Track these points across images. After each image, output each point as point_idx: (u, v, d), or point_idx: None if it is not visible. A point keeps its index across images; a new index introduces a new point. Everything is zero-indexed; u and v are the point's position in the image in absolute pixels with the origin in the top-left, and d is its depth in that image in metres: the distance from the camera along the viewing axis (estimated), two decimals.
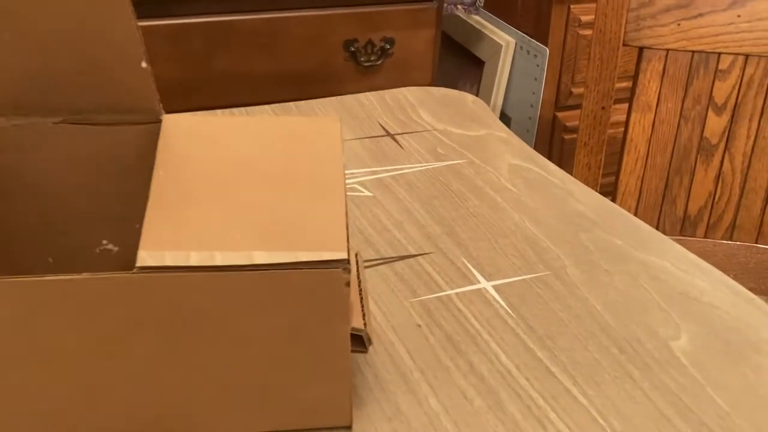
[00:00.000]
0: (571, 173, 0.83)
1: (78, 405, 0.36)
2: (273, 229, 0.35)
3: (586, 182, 0.94)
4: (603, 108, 0.89)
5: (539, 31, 1.40)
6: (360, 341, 0.40)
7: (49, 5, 0.34)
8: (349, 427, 0.41)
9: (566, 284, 0.54)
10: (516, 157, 0.71)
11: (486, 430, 0.41)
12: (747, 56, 0.84)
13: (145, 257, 0.33)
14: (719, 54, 0.85)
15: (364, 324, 0.41)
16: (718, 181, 0.90)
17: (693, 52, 0.85)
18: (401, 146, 0.73)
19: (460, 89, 1.64)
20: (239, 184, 0.37)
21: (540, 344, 0.48)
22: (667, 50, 0.86)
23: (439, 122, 0.78)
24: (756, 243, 0.92)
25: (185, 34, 1.13)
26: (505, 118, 1.54)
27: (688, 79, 0.86)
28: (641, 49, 0.87)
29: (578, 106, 1.36)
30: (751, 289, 0.77)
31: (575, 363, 0.46)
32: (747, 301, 0.53)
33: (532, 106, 1.46)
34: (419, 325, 0.49)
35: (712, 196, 0.91)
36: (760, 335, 0.49)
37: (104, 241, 0.43)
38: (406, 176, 0.68)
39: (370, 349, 0.47)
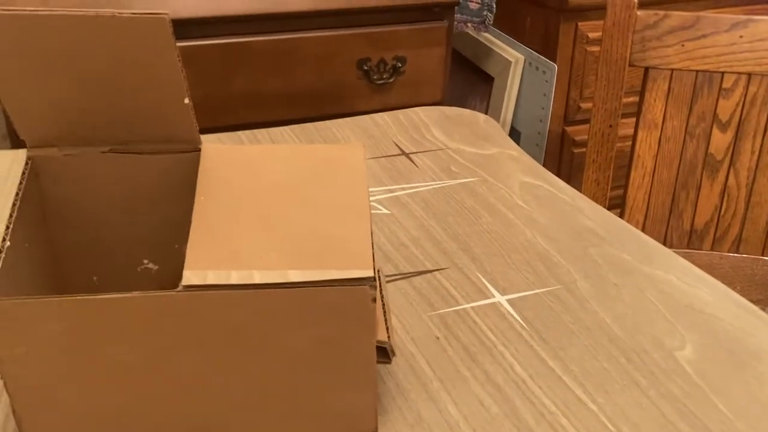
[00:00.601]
0: (580, 188, 0.86)
1: (126, 415, 0.39)
2: (305, 249, 0.38)
3: (595, 197, 0.97)
4: (610, 126, 0.92)
5: (548, 48, 1.43)
6: (384, 352, 0.43)
7: (101, 48, 0.37)
8: None
9: (577, 298, 0.56)
10: (527, 175, 0.74)
11: None
12: (750, 75, 0.87)
13: (190, 276, 0.37)
14: (723, 73, 0.88)
15: (388, 336, 0.44)
16: (723, 196, 0.92)
17: (697, 71, 0.88)
18: (416, 165, 0.76)
19: (470, 105, 1.67)
20: (273, 208, 0.41)
21: (552, 354, 0.51)
22: (672, 70, 0.89)
23: (452, 141, 0.81)
24: (762, 255, 0.95)
25: (203, 55, 1.17)
26: (514, 133, 1.57)
27: (692, 98, 0.89)
28: (647, 69, 0.90)
29: (587, 121, 1.39)
30: (757, 301, 0.80)
31: (585, 372, 0.49)
32: (749, 313, 0.55)
33: (541, 121, 1.49)
34: (438, 337, 0.52)
35: (718, 211, 0.93)
36: (762, 345, 0.52)
37: (145, 261, 0.47)
38: (421, 194, 0.71)
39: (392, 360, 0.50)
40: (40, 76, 0.39)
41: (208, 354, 0.38)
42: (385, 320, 0.45)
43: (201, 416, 0.40)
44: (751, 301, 0.57)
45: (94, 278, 0.47)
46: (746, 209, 0.92)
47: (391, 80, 1.31)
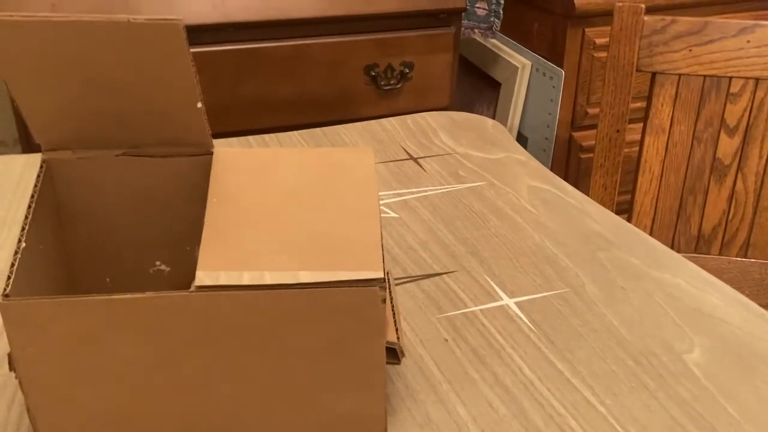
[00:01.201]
0: (587, 192, 0.87)
1: (138, 414, 0.40)
2: (316, 251, 0.39)
3: (602, 202, 0.97)
4: (618, 131, 0.92)
5: (554, 54, 1.44)
6: (393, 353, 0.44)
7: (116, 53, 0.38)
8: None
9: (585, 301, 0.57)
10: (535, 179, 0.75)
11: None
12: (757, 80, 0.87)
13: (203, 277, 0.37)
14: (730, 78, 0.88)
15: (398, 337, 0.44)
16: (731, 201, 0.92)
17: (705, 76, 0.88)
18: (424, 169, 0.77)
19: (477, 111, 1.67)
20: (284, 210, 0.41)
21: (560, 357, 0.51)
22: (680, 75, 0.89)
23: (460, 146, 0.82)
24: None
25: (213, 61, 1.18)
26: (521, 138, 1.57)
27: (700, 103, 0.89)
28: (654, 74, 0.90)
29: (594, 126, 1.39)
30: (766, 305, 0.80)
31: (594, 374, 0.49)
32: (758, 317, 0.56)
33: (548, 126, 1.49)
34: (446, 340, 0.52)
35: (725, 215, 0.93)
36: None
37: (157, 262, 0.47)
38: (429, 198, 0.71)
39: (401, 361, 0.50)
40: (56, 80, 0.39)
41: (219, 354, 0.38)
42: (395, 322, 0.45)
43: (211, 416, 0.40)
44: (760, 305, 0.58)
45: (107, 279, 0.47)
46: (754, 214, 0.92)
47: (399, 86, 1.32)
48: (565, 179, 1.38)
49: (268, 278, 0.37)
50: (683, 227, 0.95)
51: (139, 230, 0.46)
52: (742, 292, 0.59)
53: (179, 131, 0.42)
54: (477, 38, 1.53)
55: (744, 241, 0.94)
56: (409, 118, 0.88)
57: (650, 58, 0.89)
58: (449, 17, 1.29)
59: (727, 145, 0.90)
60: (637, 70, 0.90)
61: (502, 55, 1.57)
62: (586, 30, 1.39)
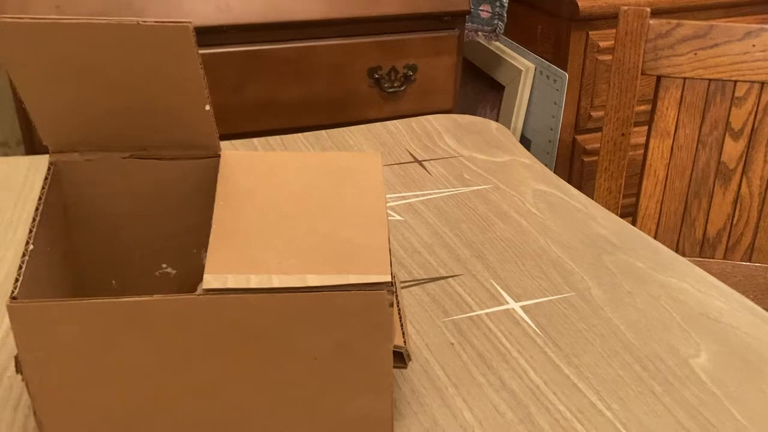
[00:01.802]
0: (591, 196, 0.87)
1: (145, 417, 0.40)
2: (324, 255, 0.39)
3: (607, 205, 0.97)
4: (623, 134, 0.92)
5: (558, 57, 1.44)
6: (400, 357, 0.44)
7: (124, 55, 0.38)
8: None
9: (590, 305, 0.57)
10: (539, 183, 0.75)
11: None
12: (762, 84, 0.87)
13: (210, 280, 0.37)
14: (735, 82, 0.88)
15: (404, 341, 0.44)
16: (736, 204, 0.92)
17: (710, 80, 0.88)
18: (429, 172, 0.77)
19: (480, 113, 1.67)
20: (292, 214, 0.41)
21: (566, 361, 0.51)
22: (685, 78, 0.89)
23: (465, 149, 0.82)
24: None
25: (217, 63, 1.18)
26: (525, 141, 1.57)
27: (705, 106, 0.89)
28: (659, 78, 0.90)
29: (598, 129, 1.39)
30: None
31: (600, 379, 0.49)
32: (764, 321, 0.55)
33: (552, 129, 1.49)
34: (452, 343, 0.52)
35: (730, 219, 0.93)
36: None
37: (164, 265, 0.47)
38: (434, 201, 0.71)
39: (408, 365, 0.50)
40: (64, 82, 0.39)
41: (227, 357, 0.38)
42: (401, 325, 0.45)
43: (218, 419, 0.40)
44: (765, 309, 0.57)
45: (114, 282, 0.47)
46: (759, 218, 0.92)
47: (402, 88, 1.32)
48: (568, 182, 1.38)
49: (276, 281, 0.37)
50: (688, 231, 0.95)
51: (145, 233, 0.46)
52: (747, 297, 0.59)
53: (187, 134, 0.42)
54: (481, 41, 1.53)
55: (749, 245, 0.94)
56: (413, 121, 0.88)
57: (655, 62, 0.89)
58: (453, 20, 1.29)
59: (732, 149, 0.90)
60: (642, 74, 0.90)
61: (506, 57, 1.57)
62: (590, 33, 1.39)
